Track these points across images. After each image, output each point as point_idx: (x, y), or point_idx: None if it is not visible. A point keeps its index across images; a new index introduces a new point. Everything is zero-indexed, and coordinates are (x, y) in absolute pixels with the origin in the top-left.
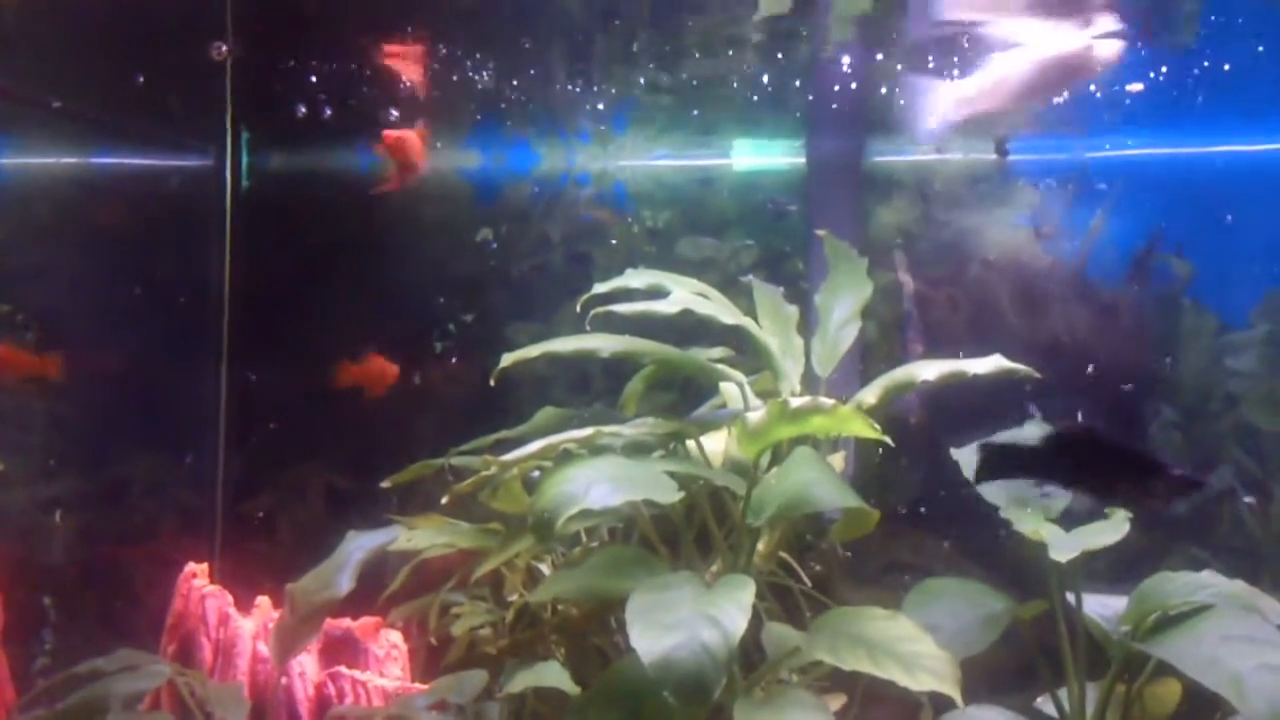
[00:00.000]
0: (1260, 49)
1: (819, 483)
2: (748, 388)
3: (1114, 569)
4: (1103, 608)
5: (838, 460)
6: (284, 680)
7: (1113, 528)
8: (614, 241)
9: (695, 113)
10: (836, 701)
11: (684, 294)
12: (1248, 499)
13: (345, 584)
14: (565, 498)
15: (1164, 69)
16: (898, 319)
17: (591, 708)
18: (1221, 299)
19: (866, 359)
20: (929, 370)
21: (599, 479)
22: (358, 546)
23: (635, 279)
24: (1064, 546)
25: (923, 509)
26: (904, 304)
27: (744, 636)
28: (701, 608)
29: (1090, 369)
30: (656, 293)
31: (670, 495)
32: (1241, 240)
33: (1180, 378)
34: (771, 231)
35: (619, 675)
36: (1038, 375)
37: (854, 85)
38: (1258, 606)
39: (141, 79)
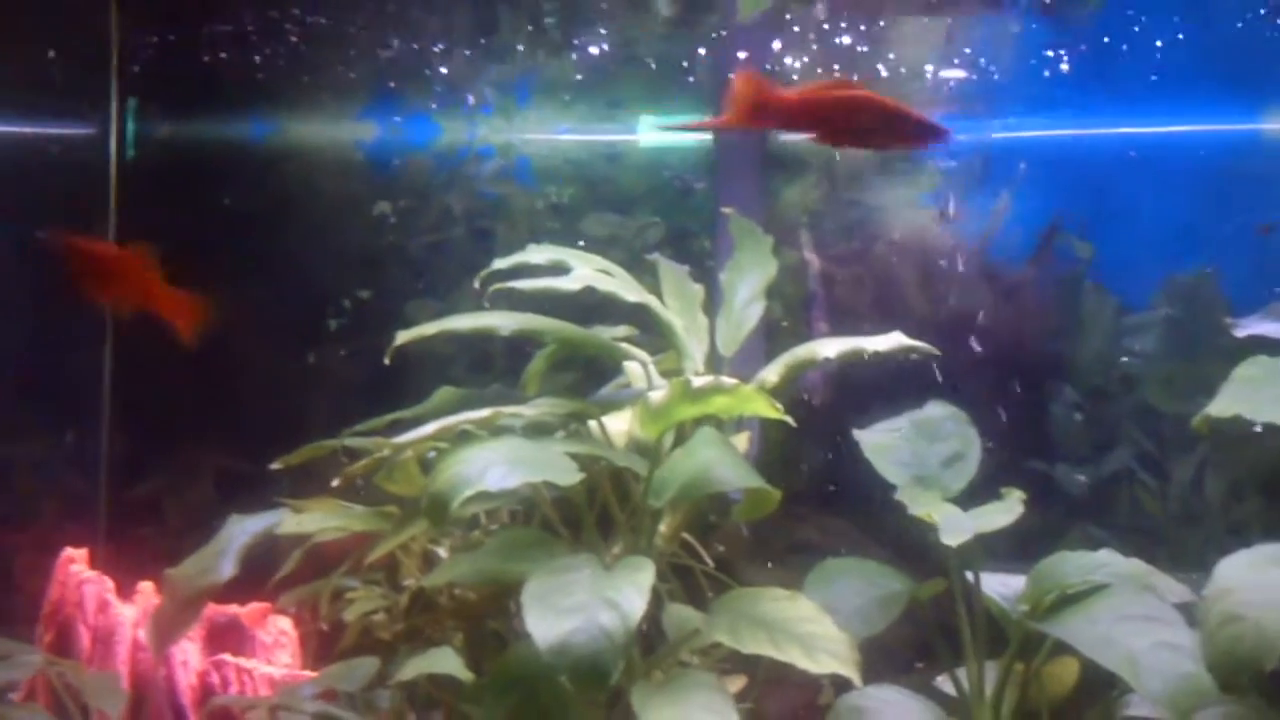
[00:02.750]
0: (1168, 26)
1: (721, 463)
2: (652, 367)
3: (1016, 547)
4: (1003, 586)
5: (742, 440)
6: (164, 669)
7: (1006, 509)
8: (517, 217)
9: (601, 86)
10: (737, 683)
11: (586, 271)
12: (1145, 479)
13: (227, 569)
14: (460, 480)
15: (1070, 48)
16: (803, 298)
17: (487, 694)
18: (1123, 281)
19: (772, 338)
20: (829, 348)
21: (496, 461)
22: (241, 531)
23: (536, 255)
24: (956, 529)
25: (827, 488)
26: (809, 283)
27: (645, 619)
28: (600, 591)
29: (992, 349)
30: (558, 269)
31: (570, 477)
32: (1144, 222)
33: (1081, 359)
34: (678, 209)
35: (515, 660)
36: (937, 353)
37: (762, 60)
38: (1154, 585)
39: (23, 44)
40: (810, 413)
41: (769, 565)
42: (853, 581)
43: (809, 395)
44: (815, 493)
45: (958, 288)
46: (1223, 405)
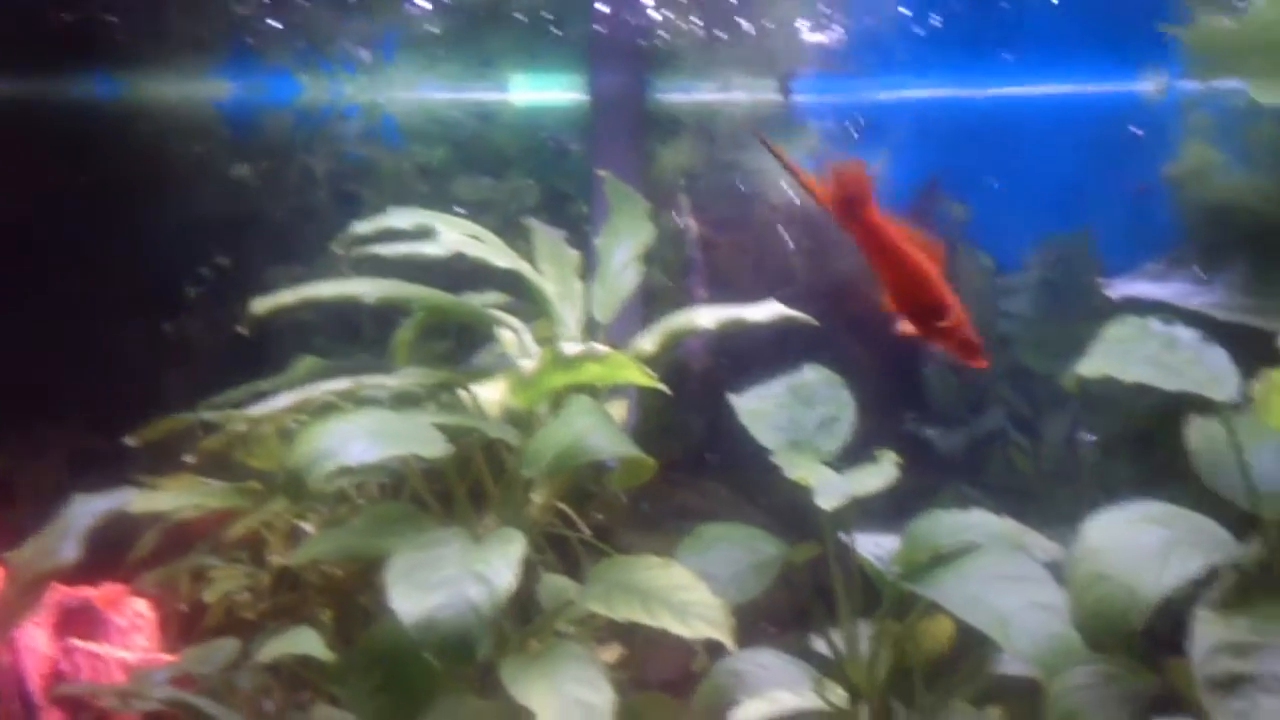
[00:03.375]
0: None
1: (595, 432)
2: (526, 334)
3: (892, 508)
4: (878, 547)
5: (619, 408)
6: (9, 656)
7: (880, 472)
8: (384, 180)
9: (471, 43)
10: (614, 653)
11: (455, 236)
12: (1019, 438)
13: (70, 551)
14: (320, 454)
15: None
16: (682, 263)
17: (352, 672)
18: (998, 242)
19: (651, 304)
20: (707, 317)
21: (358, 434)
22: (86, 511)
23: (399, 218)
24: (830, 493)
25: (707, 455)
26: (688, 248)
27: (522, 592)
28: (469, 564)
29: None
30: (424, 234)
31: (437, 449)
32: (1019, 184)
33: None
34: (554, 171)
35: (380, 637)
36: (815, 323)
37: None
38: (1025, 544)
39: None
40: (690, 379)
41: (649, 532)
42: (728, 547)
43: (689, 361)
44: (695, 459)
45: (835, 251)
46: (1092, 365)
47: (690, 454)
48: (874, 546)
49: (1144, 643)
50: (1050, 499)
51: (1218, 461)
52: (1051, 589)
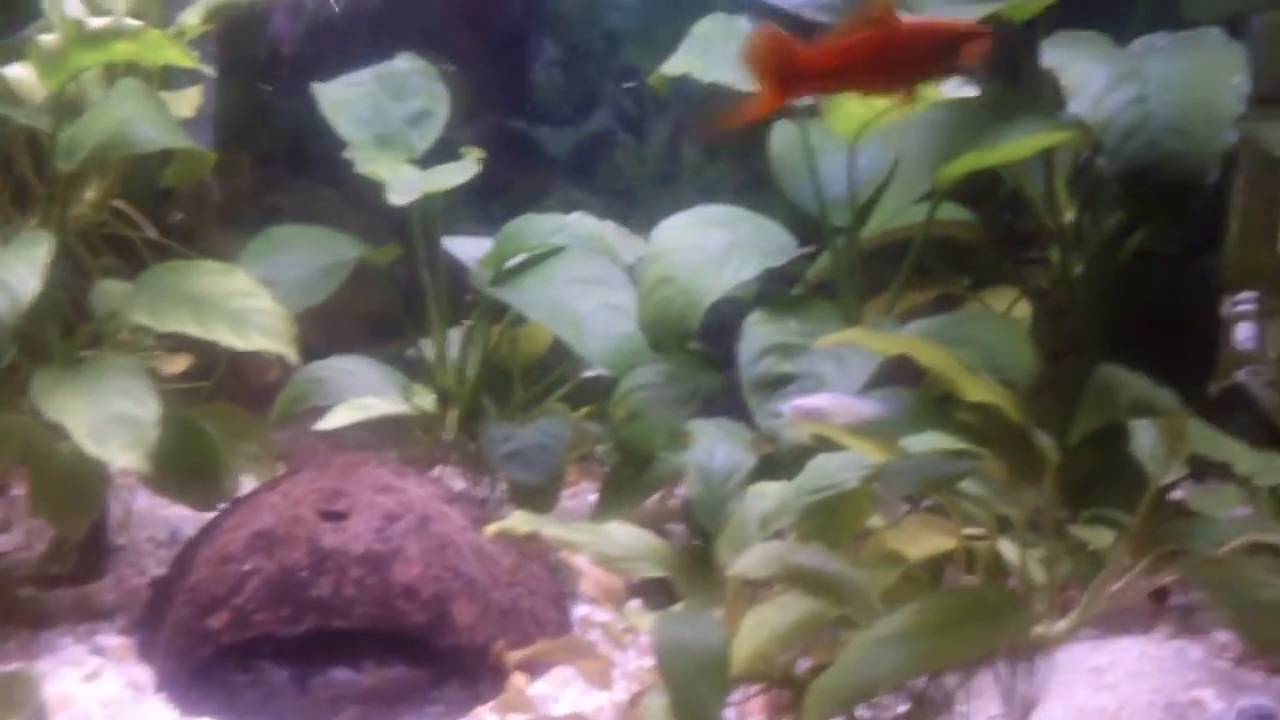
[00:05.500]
0: None
1: (141, 119)
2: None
3: (506, 210)
4: (477, 250)
5: (191, 96)
6: None
7: (460, 168)
8: None
9: None
10: (183, 362)
11: None
12: (626, 139)
13: None
14: None
15: None
16: None
17: None
18: None
19: None
20: None
21: None
22: None
23: None
24: (403, 188)
25: (303, 149)
26: None
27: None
28: None
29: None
30: None
31: None
32: None
33: (563, 14)
34: None
35: None
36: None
37: None
38: (613, 248)
39: None
40: (280, 64)
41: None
42: (298, 250)
43: (279, 44)
44: (295, 154)
45: None
46: (675, 63)
47: (286, 148)
48: (474, 250)
49: (713, 341)
50: (653, 202)
51: (794, 166)
52: (627, 291)
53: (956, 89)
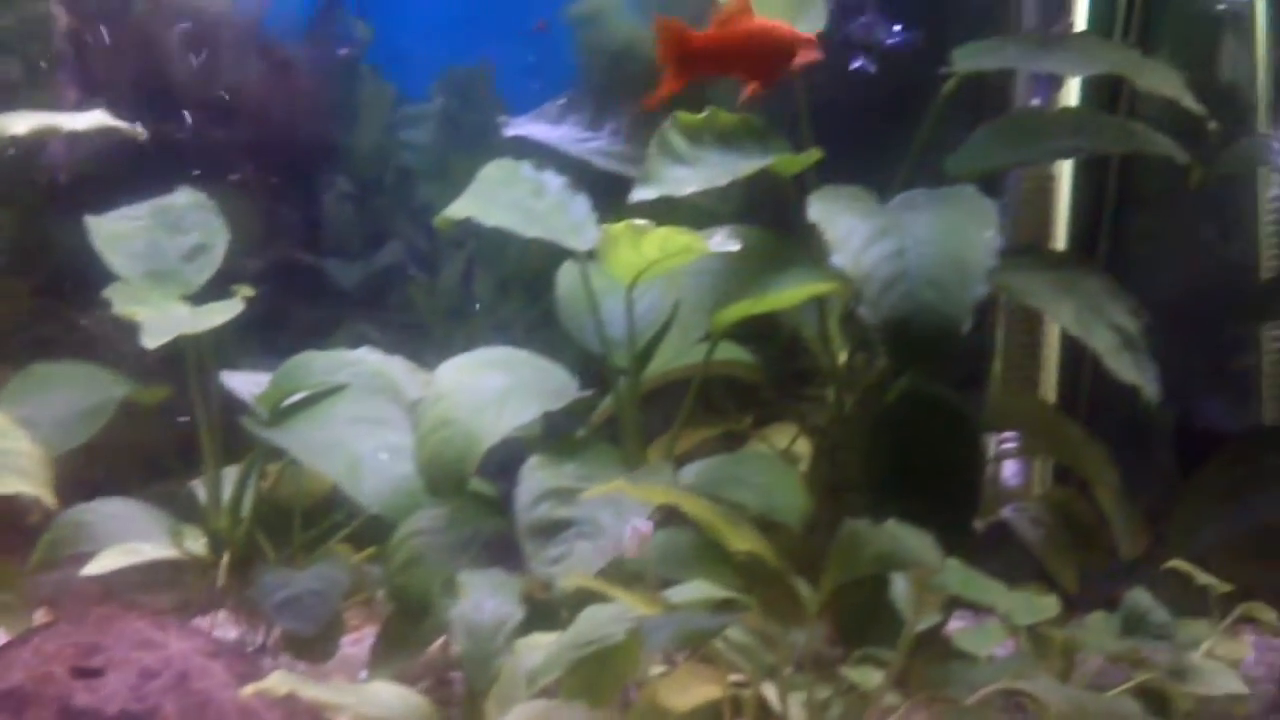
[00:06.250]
0: None
1: None
2: None
3: (295, 344)
4: (257, 386)
5: None
6: None
7: (225, 308)
8: None
9: None
10: None
11: None
12: (417, 274)
13: None
14: None
15: None
16: (50, 59)
17: None
18: (401, 69)
19: (9, 103)
20: (20, 123)
21: None
22: None
23: None
24: (158, 331)
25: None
26: (55, 41)
27: None
28: None
29: (263, 131)
30: None
31: None
32: (424, 8)
33: (356, 148)
34: None
35: None
36: (141, 135)
37: None
38: (396, 385)
39: None
40: (57, 192)
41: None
42: (62, 389)
43: (55, 171)
44: (76, 282)
45: (231, 64)
46: (460, 206)
47: (63, 278)
48: (254, 386)
49: (501, 482)
50: (446, 337)
51: (578, 308)
52: (407, 432)
53: (722, 243)
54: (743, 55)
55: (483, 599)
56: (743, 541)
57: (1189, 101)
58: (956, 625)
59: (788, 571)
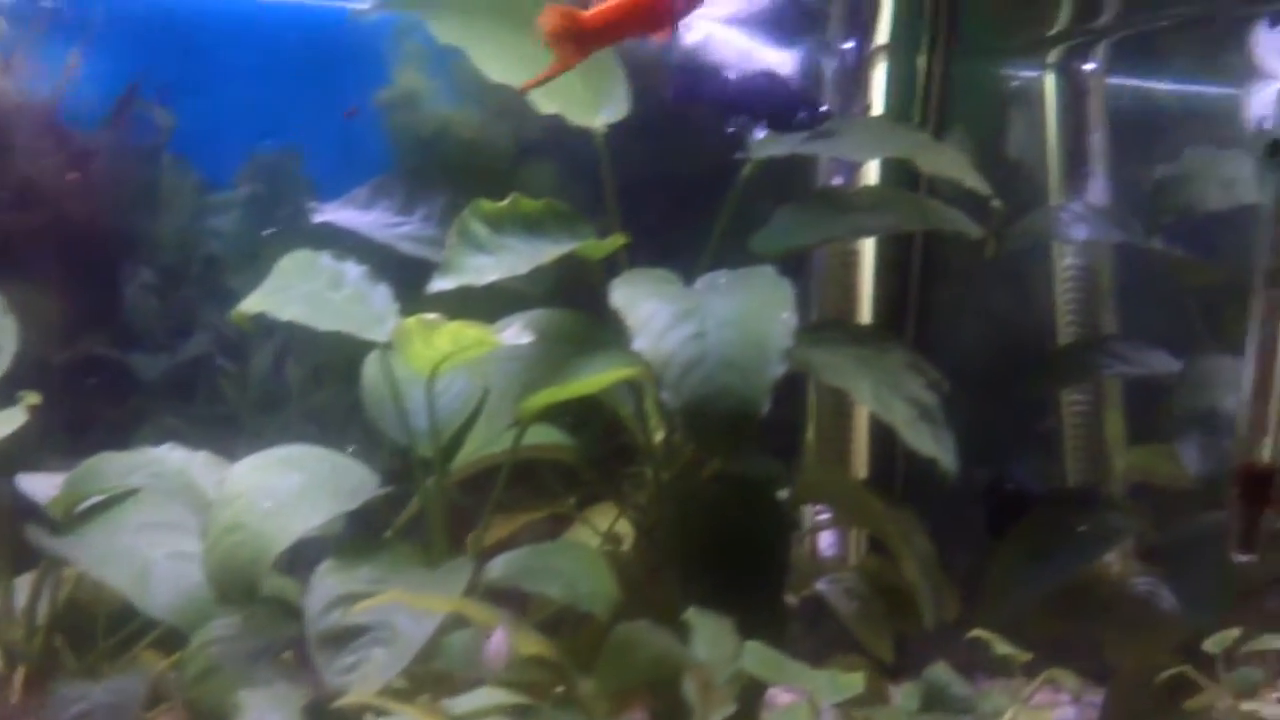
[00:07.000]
0: None
1: None
2: None
3: (100, 441)
4: (55, 489)
5: None
6: None
7: (10, 417)
8: None
9: None
10: None
11: None
12: (227, 365)
13: None
14: None
15: None
16: None
17: None
18: (207, 156)
19: None
20: None
21: None
22: None
23: None
24: None
25: None
26: None
27: None
28: None
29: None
30: None
31: None
32: (231, 95)
33: (159, 237)
34: None
35: None
36: None
37: None
38: (194, 485)
39: None
40: None
41: None
42: None
43: None
44: None
45: (22, 153)
46: (254, 301)
47: None
48: (51, 489)
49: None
50: (257, 428)
51: (382, 399)
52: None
53: (516, 336)
54: (632, 16)
55: (263, 716)
56: (528, 646)
57: (973, 181)
58: (788, 698)
59: (570, 674)
